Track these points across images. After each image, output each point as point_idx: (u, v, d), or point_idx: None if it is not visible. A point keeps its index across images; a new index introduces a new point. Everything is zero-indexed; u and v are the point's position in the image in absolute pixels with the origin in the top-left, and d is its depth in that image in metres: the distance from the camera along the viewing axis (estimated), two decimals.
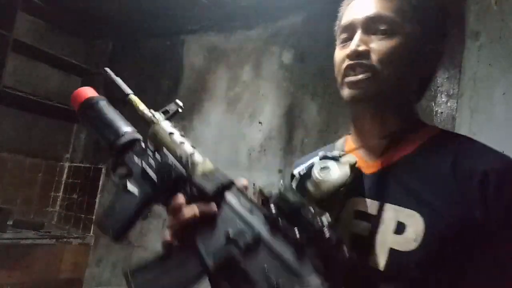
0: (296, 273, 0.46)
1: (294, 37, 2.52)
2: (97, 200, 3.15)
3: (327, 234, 0.47)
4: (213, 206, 0.54)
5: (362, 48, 0.69)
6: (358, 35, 0.70)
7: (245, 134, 2.57)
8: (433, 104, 1.96)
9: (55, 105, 2.99)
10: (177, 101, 0.68)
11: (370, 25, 0.70)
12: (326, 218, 0.49)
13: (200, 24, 2.88)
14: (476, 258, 0.59)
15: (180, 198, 0.56)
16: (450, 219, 0.60)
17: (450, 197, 0.61)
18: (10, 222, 2.73)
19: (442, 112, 1.94)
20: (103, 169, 3.21)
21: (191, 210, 0.54)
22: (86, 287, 3.02)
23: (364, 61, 0.68)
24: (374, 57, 0.68)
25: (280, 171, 2.39)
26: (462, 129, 1.83)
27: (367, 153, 0.74)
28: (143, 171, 0.58)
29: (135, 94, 0.74)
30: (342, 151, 0.74)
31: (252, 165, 2.50)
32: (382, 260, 0.61)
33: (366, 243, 0.64)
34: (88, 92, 0.70)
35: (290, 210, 0.49)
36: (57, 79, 3.29)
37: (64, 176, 3.37)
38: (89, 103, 0.68)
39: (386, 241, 0.62)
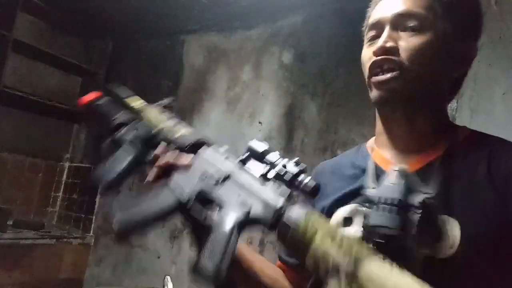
0: (260, 194, 0.56)
1: (294, 37, 2.52)
2: (97, 200, 3.15)
3: (290, 168, 0.56)
4: (189, 156, 0.62)
5: (390, 44, 0.66)
6: (386, 31, 0.68)
7: (245, 134, 2.57)
8: None
9: (55, 105, 2.99)
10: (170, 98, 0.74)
11: (399, 21, 0.67)
12: (292, 161, 0.57)
13: (200, 24, 2.88)
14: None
15: (162, 146, 0.63)
16: (487, 225, 0.58)
17: (487, 202, 0.60)
18: (10, 222, 2.73)
19: None
20: None
21: (170, 156, 0.61)
22: (86, 287, 3.03)
23: (392, 57, 0.66)
24: (403, 54, 0.66)
25: None
26: None
27: (396, 155, 0.71)
28: (135, 137, 0.67)
29: (135, 94, 0.76)
30: (372, 159, 0.72)
31: None
32: (416, 267, 0.58)
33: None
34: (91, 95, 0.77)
35: (258, 154, 0.61)
36: (57, 79, 3.29)
37: (64, 176, 3.37)
38: (91, 103, 0.75)
39: (423, 248, 0.60)
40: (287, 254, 0.82)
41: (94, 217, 3.13)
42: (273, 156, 0.60)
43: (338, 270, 0.46)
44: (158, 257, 2.73)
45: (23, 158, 3.09)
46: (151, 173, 0.61)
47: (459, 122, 1.87)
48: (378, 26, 0.70)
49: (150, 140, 0.65)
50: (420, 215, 0.57)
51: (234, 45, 2.78)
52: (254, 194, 0.57)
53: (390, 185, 0.60)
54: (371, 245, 0.59)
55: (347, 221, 0.68)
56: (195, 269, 0.50)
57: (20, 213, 3.02)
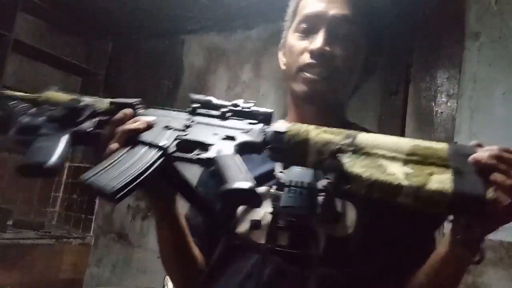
0: (233, 126, 0.60)
1: None
2: (97, 200, 3.15)
3: (242, 105, 0.62)
4: (145, 116, 0.62)
5: (328, 49, 0.70)
6: (323, 33, 0.71)
7: None
8: (433, 104, 1.96)
9: None
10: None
11: (336, 25, 0.71)
12: (239, 100, 0.63)
13: (200, 24, 2.88)
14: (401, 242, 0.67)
15: (127, 110, 0.61)
16: (382, 211, 0.63)
17: None
18: (10, 222, 2.73)
19: (442, 112, 1.94)
20: None
21: (137, 122, 0.60)
22: (86, 287, 3.03)
23: (326, 65, 0.70)
24: (337, 61, 0.70)
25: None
26: (462, 129, 1.83)
27: None
28: (52, 118, 0.62)
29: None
30: None
31: None
32: (320, 244, 0.65)
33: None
34: None
35: (205, 101, 0.65)
36: (57, 79, 3.29)
37: (64, 176, 3.37)
38: None
39: (326, 228, 0.66)
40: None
41: (94, 217, 3.14)
42: (219, 101, 0.64)
43: (341, 148, 0.52)
44: (158, 257, 2.72)
45: (23, 158, 3.09)
46: (115, 141, 0.58)
47: (459, 122, 1.87)
48: (313, 22, 0.73)
49: (73, 116, 0.61)
50: (323, 197, 0.63)
51: (234, 45, 2.78)
52: (228, 127, 0.59)
53: (299, 170, 0.65)
54: (281, 225, 0.66)
55: None
56: (249, 192, 0.51)
57: (20, 213, 3.02)
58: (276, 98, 2.51)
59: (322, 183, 0.63)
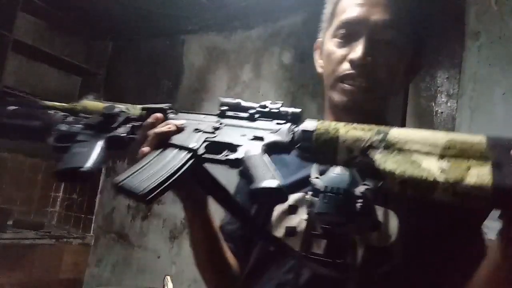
0: (262, 127, 0.60)
1: (294, 37, 2.52)
2: (97, 200, 3.15)
3: (271, 106, 0.62)
4: (177, 121, 0.63)
5: (369, 59, 0.66)
6: (365, 41, 0.66)
7: None
8: (433, 104, 1.96)
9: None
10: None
11: (377, 32, 0.67)
12: (267, 101, 0.63)
13: (200, 24, 2.88)
14: (443, 256, 0.63)
15: (158, 115, 0.63)
16: (424, 220, 0.61)
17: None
18: (10, 222, 2.73)
19: (442, 112, 1.94)
20: (103, 169, 3.21)
21: (168, 125, 0.61)
22: (86, 287, 3.03)
23: (367, 76, 0.66)
24: (379, 71, 0.66)
25: None
26: (462, 129, 1.83)
27: None
28: (88, 125, 0.65)
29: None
30: None
31: None
32: (359, 254, 0.63)
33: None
34: None
35: (234, 104, 0.64)
36: (57, 79, 3.29)
37: None
38: None
39: (365, 236, 0.64)
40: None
41: (94, 217, 3.14)
42: (247, 103, 0.64)
43: (372, 144, 0.51)
44: (158, 257, 2.73)
45: (23, 158, 3.09)
46: (146, 144, 0.60)
47: (459, 122, 1.87)
48: (353, 28, 0.68)
49: (107, 122, 0.63)
50: (361, 204, 0.60)
51: (234, 45, 2.78)
52: (256, 128, 0.60)
53: (335, 175, 0.63)
54: (316, 232, 0.64)
55: (292, 209, 0.70)
56: (277, 191, 0.51)
57: (20, 213, 3.02)
58: (276, 98, 2.50)
59: (360, 189, 0.61)
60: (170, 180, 0.54)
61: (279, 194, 0.51)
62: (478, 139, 0.50)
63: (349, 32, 0.69)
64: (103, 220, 3.11)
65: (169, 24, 2.93)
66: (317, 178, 0.66)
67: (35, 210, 3.18)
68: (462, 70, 1.89)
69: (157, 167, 0.55)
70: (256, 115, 0.62)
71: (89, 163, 0.55)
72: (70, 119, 0.65)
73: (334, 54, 0.70)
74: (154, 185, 0.52)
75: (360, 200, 0.60)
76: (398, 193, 0.49)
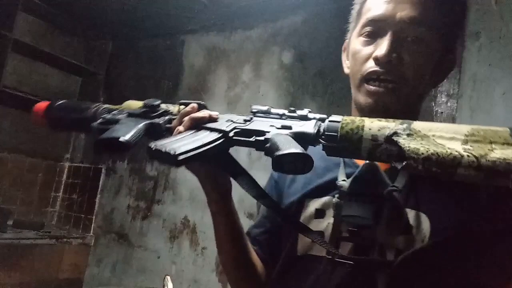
0: (289, 121, 0.62)
1: (294, 37, 2.52)
2: (97, 200, 3.15)
3: (299, 112, 0.65)
4: (212, 111, 0.64)
5: (394, 56, 0.64)
6: (390, 37, 0.64)
7: None
8: (433, 104, 1.96)
9: None
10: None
11: (404, 29, 0.64)
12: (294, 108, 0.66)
13: (200, 24, 2.88)
14: (479, 258, 0.60)
15: (195, 104, 0.65)
16: (456, 221, 0.60)
17: (456, 199, 0.61)
18: (10, 222, 2.73)
19: (442, 112, 1.94)
20: (103, 169, 3.21)
21: (203, 112, 0.63)
22: (86, 287, 3.03)
23: (393, 74, 0.64)
24: (405, 69, 0.64)
25: None
26: None
27: None
28: (130, 113, 0.68)
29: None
30: None
31: (252, 164, 2.50)
32: (390, 258, 0.61)
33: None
34: (42, 104, 0.75)
35: (264, 111, 0.67)
36: (57, 79, 3.29)
37: (64, 176, 3.37)
38: (51, 107, 0.74)
39: (394, 240, 0.62)
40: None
41: (94, 217, 3.14)
42: (277, 109, 0.66)
43: (396, 131, 0.51)
44: (158, 257, 2.73)
45: (23, 158, 3.09)
46: (181, 126, 0.61)
47: (459, 122, 1.87)
48: (379, 25, 0.66)
49: (149, 112, 0.67)
50: (389, 206, 0.59)
51: (234, 45, 2.78)
52: (284, 122, 0.61)
53: (362, 177, 0.62)
54: (343, 235, 0.63)
55: (320, 213, 0.69)
56: (301, 156, 0.51)
57: (20, 213, 3.02)
58: (276, 98, 2.51)
59: (386, 191, 0.60)
60: (201, 149, 0.55)
61: (304, 159, 0.51)
62: (502, 128, 0.50)
63: (375, 30, 0.67)
64: (103, 220, 3.11)
65: (169, 24, 2.93)
66: (343, 180, 0.65)
67: (35, 210, 3.18)
68: (462, 70, 1.89)
69: (189, 140, 0.57)
70: (284, 117, 0.64)
71: (127, 136, 0.57)
72: (115, 112, 0.69)
73: (359, 53, 0.69)
74: (186, 149, 0.54)
75: (387, 202, 0.59)
76: (422, 172, 0.48)
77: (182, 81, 2.97)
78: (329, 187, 0.68)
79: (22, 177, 3.09)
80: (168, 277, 1.78)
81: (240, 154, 2.54)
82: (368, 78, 0.66)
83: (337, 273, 0.63)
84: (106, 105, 0.72)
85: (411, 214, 0.61)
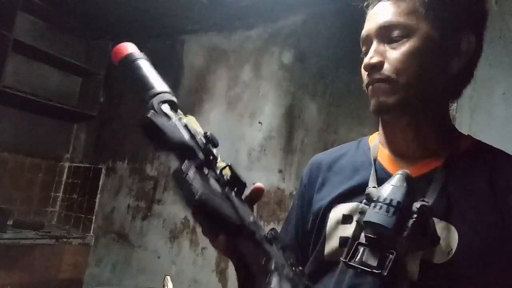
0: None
1: (294, 37, 2.52)
2: (97, 200, 3.15)
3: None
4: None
5: (374, 60, 0.67)
6: (373, 46, 0.69)
7: (245, 134, 2.57)
8: None
9: (55, 105, 2.99)
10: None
11: (384, 34, 0.68)
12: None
13: (200, 24, 2.88)
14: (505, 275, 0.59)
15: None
16: (485, 234, 0.59)
17: (487, 212, 0.61)
18: (10, 222, 2.73)
19: None
20: (103, 169, 3.21)
21: None
22: (86, 287, 3.03)
23: (377, 75, 0.67)
24: (387, 67, 0.67)
25: (280, 171, 2.39)
26: (462, 129, 1.82)
27: (400, 159, 0.71)
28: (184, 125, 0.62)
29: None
30: (375, 158, 0.74)
31: (252, 165, 2.50)
32: (414, 270, 0.60)
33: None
34: (129, 48, 0.72)
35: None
36: (57, 79, 3.29)
37: (64, 176, 3.37)
38: (130, 59, 0.70)
39: (417, 251, 0.61)
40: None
41: (94, 217, 3.14)
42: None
43: None
44: (158, 257, 2.73)
45: (23, 158, 3.09)
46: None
47: (459, 122, 1.87)
48: (367, 41, 0.71)
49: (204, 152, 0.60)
50: (414, 219, 0.58)
51: (234, 45, 2.78)
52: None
53: (392, 186, 0.61)
54: (361, 241, 0.62)
55: (347, 219, 0.69)
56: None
57: (20, 213, 3.02)
58: (276, 98, 2.51)
59: (416, 204, 0.59)
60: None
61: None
62: None
63: (366, 48, 0.72)
64: (103, 220, 3.11)
65: (169, 24, 2.93)
66: (374, 187, 0.65)
67: (35, 210, 3.18)
68: None
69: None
70: None
71: (175, 136, 0.55)
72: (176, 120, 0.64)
73: (362, 68, 0.73)
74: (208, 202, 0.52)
75: (415, 216, 0.58)
76: None
77: (182, 81, 2.97)
78: (359, 191, 0.68)
79: (22, 177, 3.09)
80: (168, 277, 1.78)
81: (240, 154, 2.55)
82: (366, 86, 0.70)
83: (355, 280, 0.63)
84: (172, 97, 0.67)
85: (439, 225, 0.61)
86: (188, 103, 2.81)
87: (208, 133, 0.61)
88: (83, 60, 3.32)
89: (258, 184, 0.59)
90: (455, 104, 1.91)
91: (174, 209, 2.76)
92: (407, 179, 0.61)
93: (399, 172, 0.63)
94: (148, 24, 2.99)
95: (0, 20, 2.62)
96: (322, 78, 2.35)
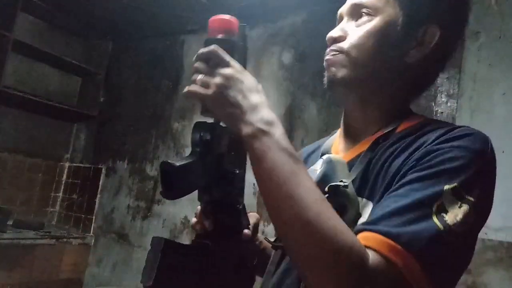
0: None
1: (294, 37, 2.52)
2: (97, 200, 3.15)
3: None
4: None
5: (335, 34, 0.71)
6: (342, 23, 0.73)
7: None
8: (433, 104, 1.96)
9: (55, 105, 2.99)
10: None
11: (353, 12, 0.71)
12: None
13: (200, 24, 2.88)
14: None
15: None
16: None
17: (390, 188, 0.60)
18: (10, 222, 2.73)
19: (442, 112, 1.94)
20: (103, 169, 3.21)
21: None
22: (86, 287, 3.03)
23: (333, 47, 0.71)
24: (345, 42, 0.70)
25: None
26: None
27: (347, 143, 0.75)
28: None
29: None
30: (329, 146, 0.81)
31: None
32: None
33: None
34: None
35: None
36: (57, 79, 3.29)
37: (64, 176, 3.37)
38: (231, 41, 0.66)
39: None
40: None
41: (94, 217, 3.14)
42: None
43: None
44: None
45: (23, 158, 3.09)
46: None
47: (459, 122, 1.87)
48: (340, 19, 0.75)
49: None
50: (334, 200, 0.59)
51: None
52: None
53: (313, 170, 0.65)
54: None
55: None
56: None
57: (20, 213, 3.02)
58: (276, 98, 2.50)
59: (329, 185, 0.62)
60: None
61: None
62: None
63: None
64: (103, 220, 3.11)
65: (169, 24, 2.93)
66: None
67: (35, 210, 3.18)
68: (462, 70, 1.90)
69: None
70: None
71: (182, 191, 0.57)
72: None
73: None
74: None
75: (326, 196, 0.59)
76: None
77: (182, 81, 2.97)
78: None
79: (22, 177, 3.09)
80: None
81: None
82: (325, 61, 0.73)
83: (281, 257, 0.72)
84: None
85: (362, 203, 0.63)
86: (188, 103, 2.81)
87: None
88: (83, 60, 3.32)
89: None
90: (455, 104, 1.91)
91: (174, 209, 2.76)
92: (327, 162, 0.65)
93: (324, 156, 0.67)
94: (148, 24, 2.99)
95: (0, 20, 2.62)
96: (322, 78, 2.34)
